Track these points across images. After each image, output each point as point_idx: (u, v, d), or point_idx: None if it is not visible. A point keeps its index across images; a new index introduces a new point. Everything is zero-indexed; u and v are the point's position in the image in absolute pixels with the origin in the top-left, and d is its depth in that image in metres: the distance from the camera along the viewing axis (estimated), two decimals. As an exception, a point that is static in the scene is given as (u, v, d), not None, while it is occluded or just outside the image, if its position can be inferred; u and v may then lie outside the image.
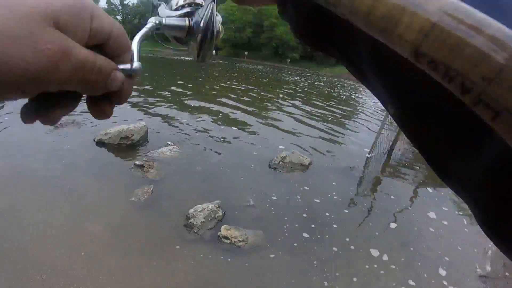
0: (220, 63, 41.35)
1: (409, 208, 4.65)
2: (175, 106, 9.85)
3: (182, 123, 7.60)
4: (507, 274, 3.45)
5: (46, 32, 0.28)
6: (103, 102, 0.37)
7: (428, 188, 5.47)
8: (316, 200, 4.26)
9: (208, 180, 4.62)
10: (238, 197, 4.08)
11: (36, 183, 4.28)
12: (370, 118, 12.15)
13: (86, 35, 0.31)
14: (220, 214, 3.56)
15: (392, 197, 4.86)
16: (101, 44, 0.34)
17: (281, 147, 6.20)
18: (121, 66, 0.36)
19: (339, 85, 29.93)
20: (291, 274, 2.89)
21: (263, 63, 52.91)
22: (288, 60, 58.25)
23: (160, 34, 0.57)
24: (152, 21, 0.45)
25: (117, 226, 3.38)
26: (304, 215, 3.82)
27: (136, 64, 0.37)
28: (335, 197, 4.49)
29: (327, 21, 0.32)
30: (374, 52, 0.30)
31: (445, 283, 3.14)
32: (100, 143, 6.17)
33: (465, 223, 4.41)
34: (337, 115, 11.66)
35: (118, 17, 79.91)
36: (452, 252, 3.68)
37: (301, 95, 16.87)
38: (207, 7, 0.46)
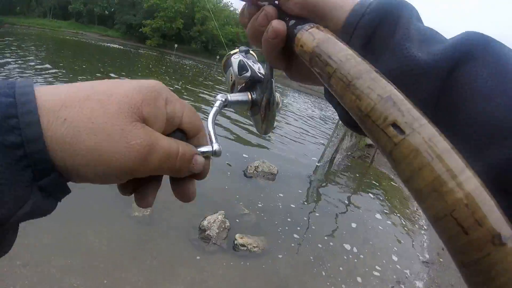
0: (149, 54, 39.89)
1: (360, 210, 5.76)
2: None
3: None
4: (441, 260, 4.69)
5: (134, 127, 0.31)
6: (186, 183, 0.41)
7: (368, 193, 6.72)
8: (292, 205, 5.09)
9: (197, 189, 4.96)
10: (232, 207, 4.50)
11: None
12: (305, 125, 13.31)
13: (164, 123, 0.34)
14: (228, 224, 3.88)
15: (344, 200, 6.06)
16: (177, 128, 0.37)
17: (245, 155, 6.76)
18: (202, 149, 0.39)
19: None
20: (299, 269, 3.70)
21: (193, 58, 51.09)
22: (218, 57, 55.67)
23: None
24: (219, 99, 0.48)
25: (128, 242, 3.55)
26: (289, 219, 4.62)
27: (216, 146, 0.41)
28: (305, 203, 5.45)
29: None
30: None
31: (398, 267, 4.28)
32: None
33: (403, 222, 5.68)
34: (282, 123, 12.50)
35: None
36: (399, 245, 4.91)
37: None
38: (267, 84, 0.49)
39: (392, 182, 8.17)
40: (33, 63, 17.92)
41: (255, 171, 5.74)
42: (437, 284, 4.20)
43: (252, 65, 0.55)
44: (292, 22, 0.42)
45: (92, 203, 4.11)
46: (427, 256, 4.81)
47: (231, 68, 0.57)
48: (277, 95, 0.50)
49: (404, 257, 4.62)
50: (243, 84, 0.54)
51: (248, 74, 0.53)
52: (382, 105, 0.26)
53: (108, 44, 39.82)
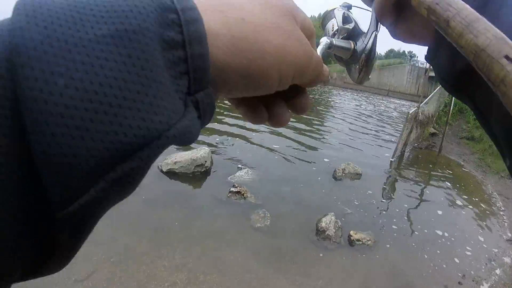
0: None
1: (440, 198, 6.35)
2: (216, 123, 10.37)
3: (230, 143, 8.32)
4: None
5: (300, 31, 0.30)
6: (305, 94, 0.38)
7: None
8: (382, 200, 5.72)
9: (300, 196, 5.45)
10: (335, 207, 4.97)
11: (127, 225, 4.63)
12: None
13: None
14: (340, 223, 4.31)
15: (423, 190, 6.64)
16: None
17: (325, 160, 7.32)
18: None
19: (315, 91, 30.24)
20: (406, 255, 4.27)
21: None
22: None
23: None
24: (325, 40, 0.49)
25: (263, 252, 3.92)
26: (384, 213, 5.23)
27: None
28: (392, 196, 6.08)
29: (474, 78, 0.32)
30: (506, 119, 0.32)
31: (485, 246, 4.82)
32: (170, 173, 6.22)
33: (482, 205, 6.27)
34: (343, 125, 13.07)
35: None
36: (482, 226, 5.48)
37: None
38: (370, 35, 0.49)
39: (463, 169, 8.51)
40: None
41: (343, 173, 6.25)
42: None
43: (355, 19, 0.56)
44: None
45: (213, 221, 4.64)
46: (510, 234, 5.30)
47: (333, 19, 0.56)
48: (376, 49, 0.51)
49: (489, 237, 5.13)
50: (345, 34, 0.55)
51: (353, 24, 0.55)
52: (497, 42, 0.29)
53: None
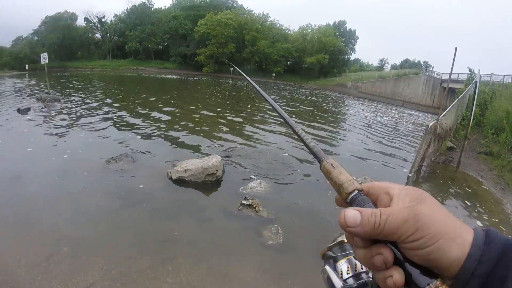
0: (206, 80, 41.84)
1: (460, 212, 6.02)
2: (229, 133, 10.56)
3: (243, 152, 8.27)
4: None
5: None
6: None
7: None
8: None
9: (316, 211, 5.27)
10: None
11: (131, 235, 4.63)
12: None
13: None
14: None
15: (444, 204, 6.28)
16: None
17: None
18: None
19: (330, 98, 30.36)
20: None
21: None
22: (273, 74, 57.17)
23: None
24: None
25: (276, 268, 3.82)
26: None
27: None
28: None
29: None
30: None
31: None
32: (180, 181, 6.14)
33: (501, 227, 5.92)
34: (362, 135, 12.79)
35: (97, 35, 78.58)
36: None
37: (309, 116, 17.86)
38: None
39: (482, 186, 8.18)
40: (101, 98, 19.81)
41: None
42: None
43: (354, 266, 0.58)
44: (412, 270, 0.44)
45: (222, 236, 4.52)
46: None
47: (336, 270, 0.60)
48: None
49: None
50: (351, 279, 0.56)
51: (354, 285, 0.57)
52: None
53: (167, 76, 42.17)
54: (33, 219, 5.21)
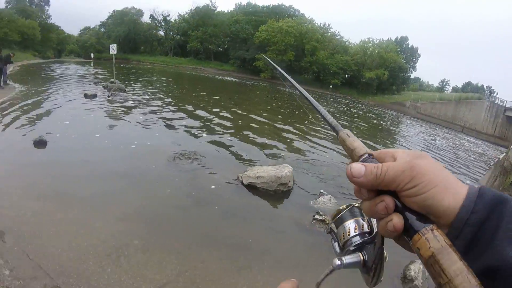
0: (263, 86, 42.24)
1: None
2: (292, 142, 10.52)
3: (310, 163, 8.27)
4: None
5: None
6: None
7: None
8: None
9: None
10: None
11: (204, 236, 4.66)
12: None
13: None
14: (427, 273, 4.11)
15: None
16: None
17: None
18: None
19: (387, 117, 29.22)
20: None
21: (305, 88, 50.87)
22: (331, 86, 56.18)
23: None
24: (337, 264, 0.56)
25: None
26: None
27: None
28: None
29: None
30: None
31: None
32: (251, 187, 6.15)
33: None
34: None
35: (161, 32, 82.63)
36: None
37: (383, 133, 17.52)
38: (377, 251, 0.55)
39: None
40: (165, 93, 20.73)
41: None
42: None
43: (361, 226, 0.61)
44: (410, 216, 0.48)
45: (293, 249, 4.53)
46: None
47: (344, 228, 0.62)
48: (385, 252, 0.56)
49: None
50: (355, 247, 0.59)
51: (359, 241, 0.59)
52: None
53: (225, 78, 42.87)
54: (101, 206, 5.32)
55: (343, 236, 0.62)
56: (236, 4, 78.73)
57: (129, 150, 8.30)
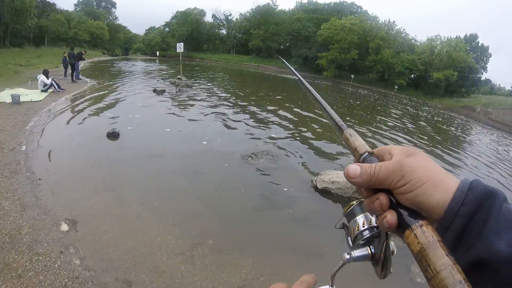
0: (326, 85, 41.76)
1: None
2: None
3: None
4: None
5: None
6: None
7: None
8: None
9: None
10: None
11: (279, 241, 4.62)
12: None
13: None
14: None
15: None
16: None
17: None
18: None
19: (456, 122, 27.58)
20: None
21: (369, 88, 50.01)
22: (396, 87, 52.94)
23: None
24: (346, 258, 0.58)
25: None
26: None
27: None
28: None
29: None
30: None
31: None
32: (324, 192, 6.10)
33: None
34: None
35: (223, 31, 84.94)
36: None
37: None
38: (383, 242, 0.57)
39: None
40: (230, 90, 21.26)
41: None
42: None
43: (369, 221, 0.63)
44: (402, 212, 0.50)
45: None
46: None
47: (355, 223, 0.64)
48: (392, 243, 0.57)
49: None
50: (364, 241, 0.61)
51: (368, 235, 0.61)
52: None
53: (287, 76, 42.89)
54: (174, 202, 5.41)
55: (354, 230, 0.64)
56: (297, 2, 78.24)
57: (200, 146, 8.51)
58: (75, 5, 76.87)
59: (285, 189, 6.28)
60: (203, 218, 5.03)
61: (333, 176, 6.25)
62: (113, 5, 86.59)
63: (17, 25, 41.63)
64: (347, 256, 0.59)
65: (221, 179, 6.59)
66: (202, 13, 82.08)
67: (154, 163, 6.98)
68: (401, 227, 0.49)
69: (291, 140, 10.38)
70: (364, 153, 0.61)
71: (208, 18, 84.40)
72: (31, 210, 4.73)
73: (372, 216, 0.63)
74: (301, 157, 8.67)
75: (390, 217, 0.50)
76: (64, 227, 4.47)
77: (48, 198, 5.19)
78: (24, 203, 4.91)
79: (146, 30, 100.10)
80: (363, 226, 0.62)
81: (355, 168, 0.55)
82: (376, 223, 0.62)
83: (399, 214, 0.50)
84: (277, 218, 5.35)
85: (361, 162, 0.59)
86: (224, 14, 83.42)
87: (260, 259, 4.22)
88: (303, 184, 6.60)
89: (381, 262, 0.57)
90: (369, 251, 0.60)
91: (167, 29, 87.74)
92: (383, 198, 0.52)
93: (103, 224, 4.62)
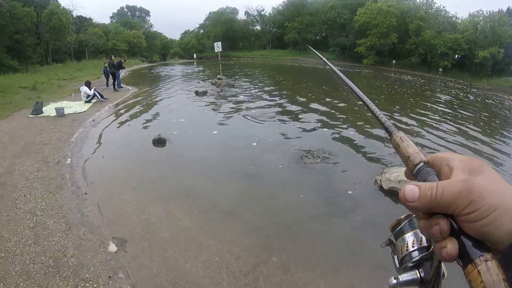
0: (367, 73, 40.59)
1: None
2: (418, 138, 9.70)
3: None
4: None
5: None
6: None
7: None
8: None
9: None
10: None
11: (353, 259, 4.28)
12: None
13: None
14: None
15: None
16: None
17: None
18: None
19: (507, 104, 25.51)
20: None
21: (412, 73, 47.66)
22: (440, 69, 49.60)
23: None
24: (392, 282, 0.54)
25: None
26: None
27: None
28: None
29: None
30: None
31: None
32: (391, 192, 5.77)
33: None
34: None
35: (257, 27, 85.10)
36: None
37: None
38: (435, 268, 0.53)
39: None
40: (271, 87, 21.07)
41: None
42: None
43: (419, 240, 0.58)
44: (466, 242, 0.45)
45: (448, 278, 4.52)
46: None
47: (403, 241, 0.60)
48: (443, 267, 0.53)
49: None
50: (413, 263, 0.56)
51: (418, 257, 0.56)
52: None
53: (326, 67, 42.12)
54: (228, 213, 5.15)
55: (401, 250, 0.60)
56: (329, -11, 76.35)
57: (251, 148, 8.29)
58: (111, 17, 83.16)
59: (349, 192, 6.00)
60: (262, 231, 4.77)
61: (399, 175, 5.93)
62: (147, 13, 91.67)
63: (57, 42, 44.70)
64: (394, 281, 0.56)
65: (276, 183, 6.32)
66: (234, 11, 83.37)
67: (204, 171, 6.82)
68: (462, 258, 0.45)
69: (344, 133, 10.06)
70: (419, 163, 0.55)
71: (241, 16, 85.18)
72: (76, 229, 4.63)
73: (422, 234, 0.58)
74: (358, 152, 8.33)
75: (451, 247, 0.45)
76: (112, 247, 4.29)
77: (95, 214, 5.11)
78: (70, 220, 4.83)
79: (181, 34, 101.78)
80: (413, 247, 0.59)
81: (412, 189, 0.48)
82: (427, 243, 0.58)
83: (461, 243, 0.45)
84: (345, 227, 5.06)
85: (416, 174, 0.54)
86: (257, 10, 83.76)
87: (333, 277, 3.93)
88: (367, 184, 6.28)
89: (430, 287, 0.54)
90: (418, 275, 0.56)
91: (201, 31, 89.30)
92: (443, 224, 0.46)
93: (155, 242, 4.42)
